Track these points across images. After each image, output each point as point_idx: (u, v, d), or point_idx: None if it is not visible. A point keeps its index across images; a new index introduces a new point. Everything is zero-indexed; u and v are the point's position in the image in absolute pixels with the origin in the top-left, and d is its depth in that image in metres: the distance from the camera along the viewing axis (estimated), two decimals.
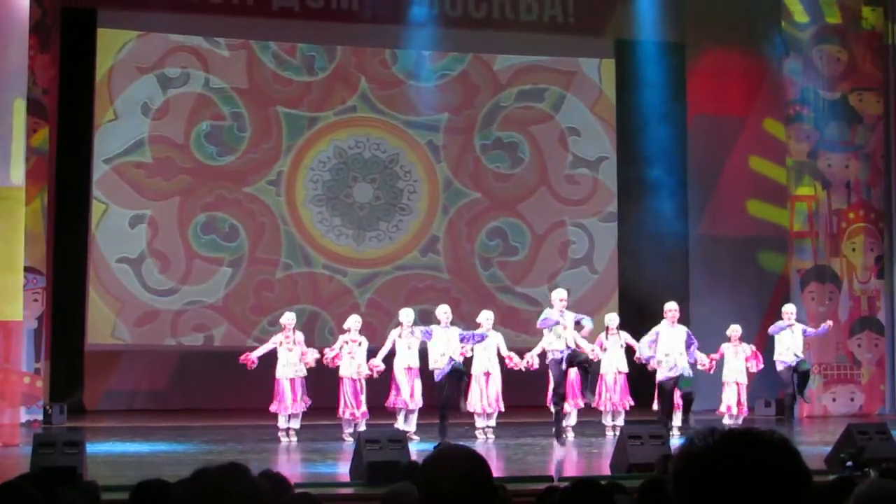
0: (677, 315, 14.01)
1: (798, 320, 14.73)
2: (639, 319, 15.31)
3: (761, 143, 18.85)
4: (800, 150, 17.70)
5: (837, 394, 17.45)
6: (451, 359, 13.48)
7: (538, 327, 13.58)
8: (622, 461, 10.39)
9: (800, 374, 14.37)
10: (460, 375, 13.56)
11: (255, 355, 13.81)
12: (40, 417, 15.47)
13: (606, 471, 10.57)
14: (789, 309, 14.72)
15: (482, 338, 14.01)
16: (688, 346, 13.98)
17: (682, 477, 1.86)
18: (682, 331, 14.01)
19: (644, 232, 18.15)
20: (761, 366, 14.75)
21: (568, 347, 13.29)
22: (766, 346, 15.19)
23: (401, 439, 10.26)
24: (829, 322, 15.11)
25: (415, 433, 13.52)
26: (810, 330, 14.74)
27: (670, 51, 18.99)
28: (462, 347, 13.84)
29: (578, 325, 13.55)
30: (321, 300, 18.18)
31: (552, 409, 13.71)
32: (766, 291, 18.53)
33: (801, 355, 14.44)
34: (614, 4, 19.04)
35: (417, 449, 11.44)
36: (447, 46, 18.72)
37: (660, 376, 13.87)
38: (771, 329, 14.61)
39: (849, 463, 10.18)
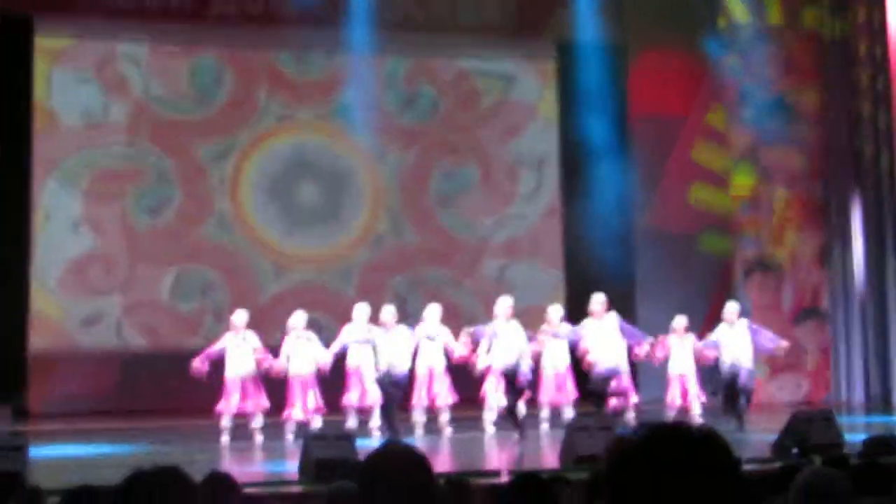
0: (604, 306, 13.88)
1: (742, 311, 14.46)
2: (585, 314, 15.31)
3: (702, 141, 19.00)
4: (740, 146, 17.94)
5: (783, 382, 17.62)
6: (390, 370, 13.08)
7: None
8: (570, 453, 10.41)
9: (741, 389, 13.70)
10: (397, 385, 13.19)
11: (204, 359, 13.52)
12: None
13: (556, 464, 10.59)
14: (731, 308, 14.27)
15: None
16: (625, 335, 13.88)
17: (611, 473, 1.86)
18: (613, 319, 13.82)
19: (589, 228, 18.18)
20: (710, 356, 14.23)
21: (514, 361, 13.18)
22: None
23: (349, 436, 10.21)
24: (783, 343, 14.54)
25: (378, 429, 13.44)
26: (760, 331, 14.27)
27: (611, 52, 19.03)
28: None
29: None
30: (268, 297, 18.06)
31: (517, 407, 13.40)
32: (711, 283, 18.65)
33: (745, 361, 13.80)
34: (554, 7, 19.04)
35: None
36: (388, 50, 18.60)
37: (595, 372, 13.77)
38: (705, 346, 14.11)
39: (794, 450, 10.30)
